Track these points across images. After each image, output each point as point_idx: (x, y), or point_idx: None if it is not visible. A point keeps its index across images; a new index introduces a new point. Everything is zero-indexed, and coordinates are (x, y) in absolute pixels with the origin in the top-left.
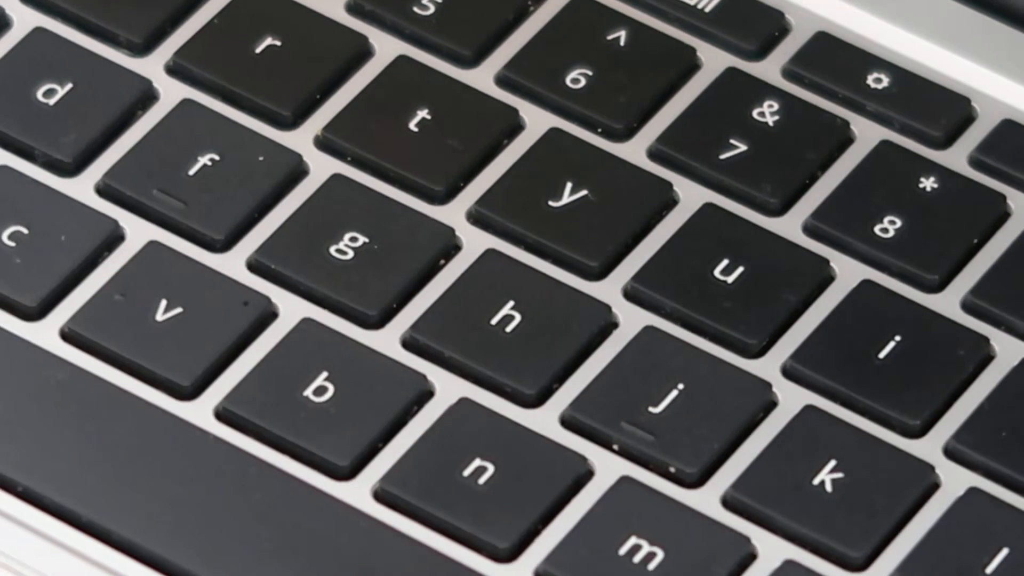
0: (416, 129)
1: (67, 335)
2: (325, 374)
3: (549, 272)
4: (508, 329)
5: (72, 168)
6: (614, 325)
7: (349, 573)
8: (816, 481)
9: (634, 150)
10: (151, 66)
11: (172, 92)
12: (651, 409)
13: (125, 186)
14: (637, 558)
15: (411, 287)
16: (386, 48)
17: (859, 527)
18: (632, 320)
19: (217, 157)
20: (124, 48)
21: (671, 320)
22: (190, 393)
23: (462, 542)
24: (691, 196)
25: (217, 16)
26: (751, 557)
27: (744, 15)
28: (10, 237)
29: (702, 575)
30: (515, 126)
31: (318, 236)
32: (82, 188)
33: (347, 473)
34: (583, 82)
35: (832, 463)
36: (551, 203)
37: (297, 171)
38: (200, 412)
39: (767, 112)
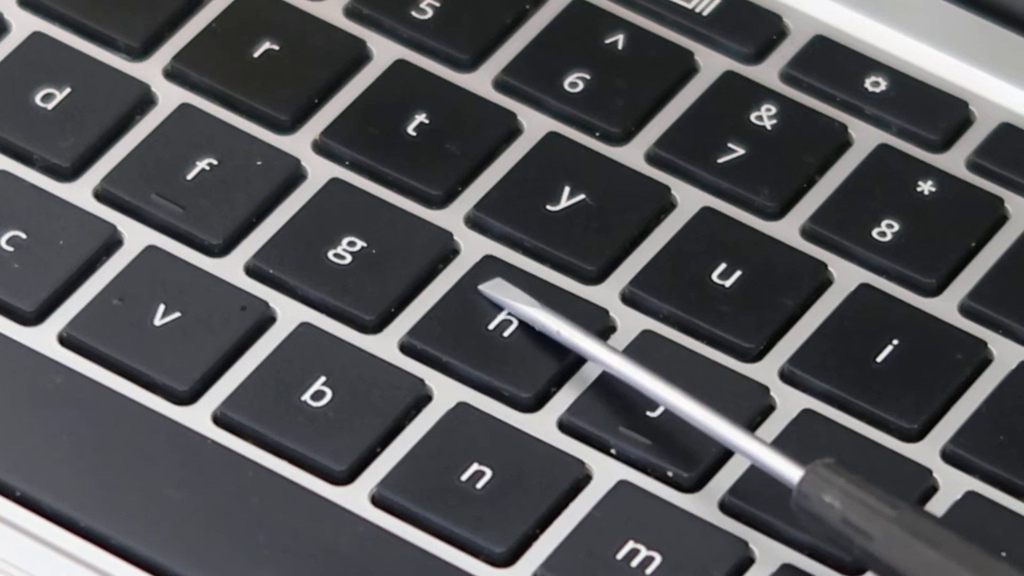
0: (414, 133)
1: (65, 340)
2: (323, 379)
3: (547, 277)
4: (506, 334)
5: (70, 173)
6: (612, 329)
7: None
8: None
9: (632, 154)
10: (149, 70)
11: (170, 96)
12: (649, 413)
13: (123, 191)
14: (635, 562)
15: (409, 291)
16: (384, 52)
17: None
18: (629, 324)
19: (215, 161)
20: (122, 52)
21: (668, 324)
22: (188, 398)
23: (460, 547)
24: (689, 200)
25: (215, 20)
26: (749, 561)
27: (742, 19)
28: (8, 242)
29: None
30: (513, 130)
31: (316, 240)
32: (80, 193)
33: (345, 478)
34: (581, 86)
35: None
36: (549, 207)
37: (295, 175)
38: (198, 417)
39: (765, 116)
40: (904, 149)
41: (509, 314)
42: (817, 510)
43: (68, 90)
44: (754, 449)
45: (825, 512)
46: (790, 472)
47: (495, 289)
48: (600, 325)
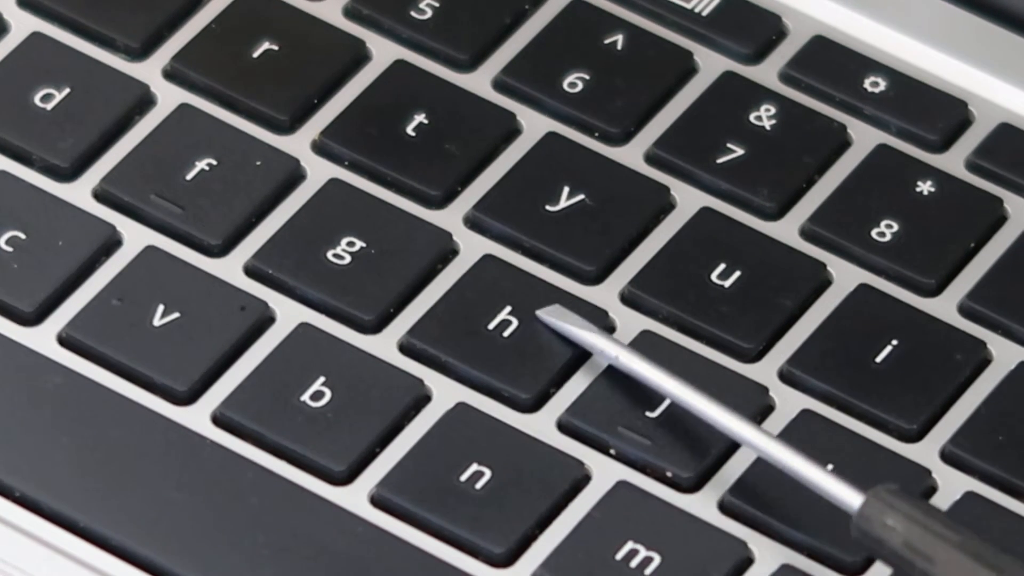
0: (413, 134)
1: (64, 340)
2: (322, 379)
3: (546, 277)
4: (505, 334)
5: (69, 173)
6: (611, 329)
7: None
8: None
9: (631, 154)
10: (148, 71)
11: (169, 97)
12: (648, 414)
13: (122, 191)
14: (634, 563)
15: (408, 292)
16: (383, 52)
17: None
18: (629, 324)
19: (214, 162)
20: (122, 53)
21: (668, 324)
22: (187, 398)
23: (459, 547)
24: (688, 200)
25: (214, 21)
26: (748, 562)
27: (741, 19)
28: (7, 242)
29: None
30: (512, 130)
31: (315, 241)
32: (79, 193)
33: (344, 478)
34: (580, 86)
35: (829, 467)
36: (548, 208)
37: (294, 176)
38: (197, 417)
39: (764, 116)
40: (903, 149)
41: (510, 314)
42: (879, 534)
43: (67, 90)
44: (813, 475)
45: (887, 536)
46: (850, 497)
47: (553, 315)
48: (599, 325)
